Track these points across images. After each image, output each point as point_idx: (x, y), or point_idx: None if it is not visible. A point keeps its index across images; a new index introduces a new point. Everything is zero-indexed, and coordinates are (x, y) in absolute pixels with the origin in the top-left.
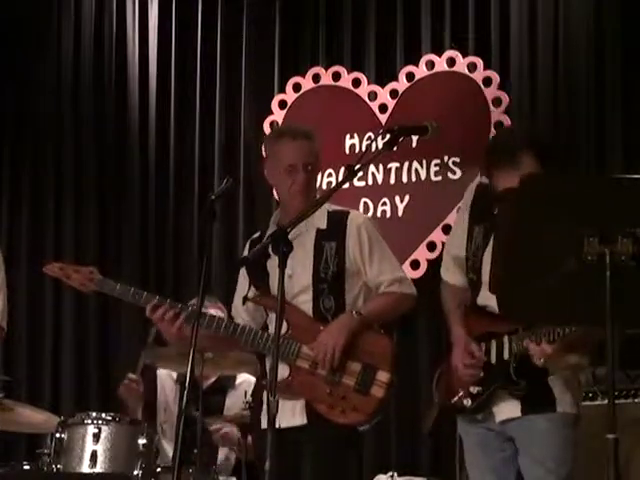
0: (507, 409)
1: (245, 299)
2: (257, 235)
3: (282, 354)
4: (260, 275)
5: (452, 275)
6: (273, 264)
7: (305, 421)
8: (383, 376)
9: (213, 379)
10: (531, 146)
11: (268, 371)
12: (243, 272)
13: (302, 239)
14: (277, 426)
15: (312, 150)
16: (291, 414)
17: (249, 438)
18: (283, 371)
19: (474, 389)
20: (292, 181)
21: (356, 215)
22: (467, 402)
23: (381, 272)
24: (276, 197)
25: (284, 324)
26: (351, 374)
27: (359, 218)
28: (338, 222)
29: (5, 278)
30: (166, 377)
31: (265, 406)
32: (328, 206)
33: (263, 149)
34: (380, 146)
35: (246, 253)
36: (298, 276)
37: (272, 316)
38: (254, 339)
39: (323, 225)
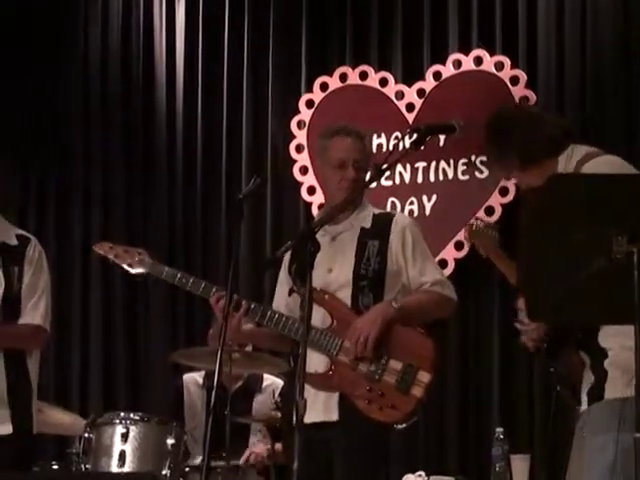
0: None
1: (291, 291)
2: None
3: (324, 348)
4: (302, 270)
5: None
6: (316, 259)
7: (337, 417)
8: (424, 376)
9: (240, 383)
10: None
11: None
12: (284, 270)
13: (345, 236)
14: (307, 421)
15: (363, 150)
16: (324, 408)
17: (276, 445)
18: (324, 365)
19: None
20: (341, 176)
21: (402, 217)
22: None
23: (424, 273)
24: (304, 197)
25: (328, 318)
26: (392, 372)
27: (405, 220)
28: (383, 222)
29: (49, 280)
30: (192, 383)
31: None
32: (374, 209)
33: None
34: (407, 145)
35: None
36: (339, 271)
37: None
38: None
39: (368, 225)
